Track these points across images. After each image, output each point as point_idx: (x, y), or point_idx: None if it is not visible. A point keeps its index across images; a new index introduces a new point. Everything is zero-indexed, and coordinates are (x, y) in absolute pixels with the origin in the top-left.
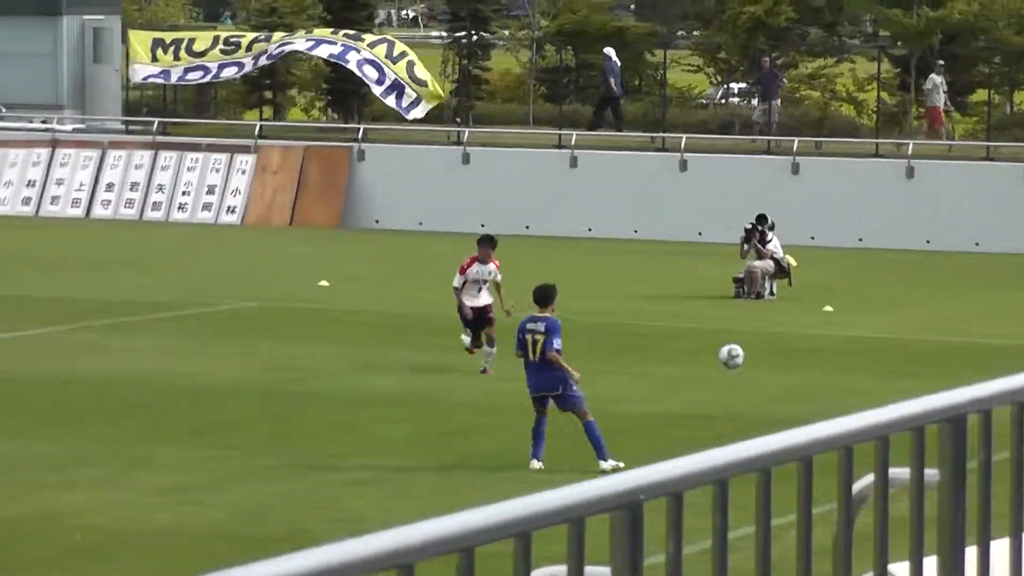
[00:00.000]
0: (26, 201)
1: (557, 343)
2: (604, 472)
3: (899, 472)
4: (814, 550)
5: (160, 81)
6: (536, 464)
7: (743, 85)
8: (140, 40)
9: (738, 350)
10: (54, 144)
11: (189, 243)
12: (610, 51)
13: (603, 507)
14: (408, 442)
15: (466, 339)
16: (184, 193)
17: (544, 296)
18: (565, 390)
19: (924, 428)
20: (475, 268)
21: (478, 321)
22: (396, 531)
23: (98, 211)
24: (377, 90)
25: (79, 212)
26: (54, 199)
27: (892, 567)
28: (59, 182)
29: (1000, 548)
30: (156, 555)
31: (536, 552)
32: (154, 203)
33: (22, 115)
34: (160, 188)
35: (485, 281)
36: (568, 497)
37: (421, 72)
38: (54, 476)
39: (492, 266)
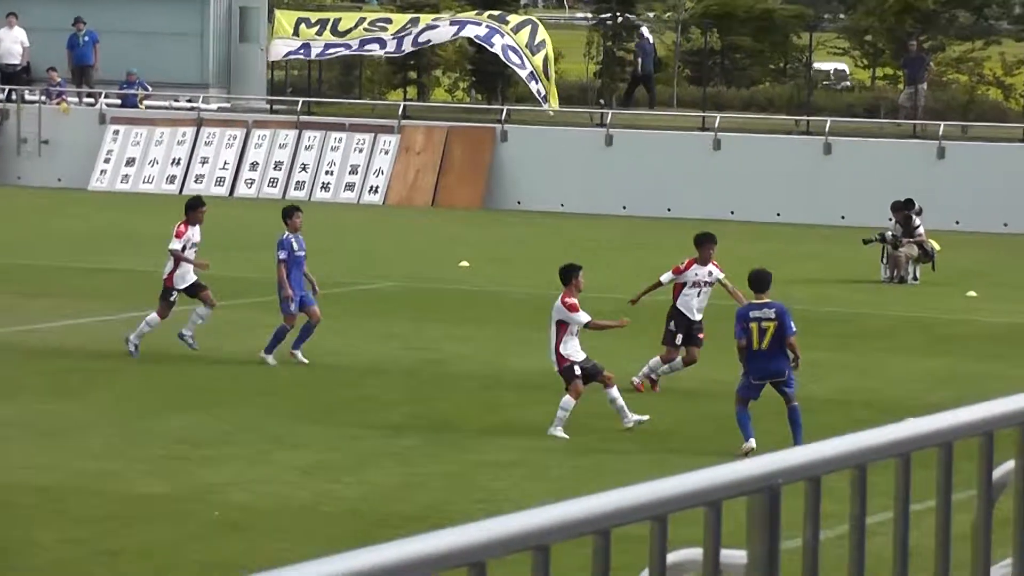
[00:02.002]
0: (171, 179)
1: (793, 326)
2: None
3: None
4: (954, 535)
5: (301, 56)
6: (752, 443)
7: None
8: (286, 18)
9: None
10: (199, 123)
11: (331, 223)
12: (644, 30)
13: (741, 491)
14: (547, 424)
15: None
16: (327, 172)
17: (762, 280)
18: (789, 374)
19: None
20: (694, 271)
21: (686, 335)
22: (532, 512)
23: (242, 190)
24: (522, 73)
25: (223, 191)
26: (198, 177)
27: None
28: (204, 161)
29: None
30: (293, 533)
31: (673, 535)
32: (297, 182)
33: (168, 94)
34: (303, 167)
35: (707, 283)
36: (705, 480)
37: (551, 70)
38: (195, 453)
39: (712, 267)
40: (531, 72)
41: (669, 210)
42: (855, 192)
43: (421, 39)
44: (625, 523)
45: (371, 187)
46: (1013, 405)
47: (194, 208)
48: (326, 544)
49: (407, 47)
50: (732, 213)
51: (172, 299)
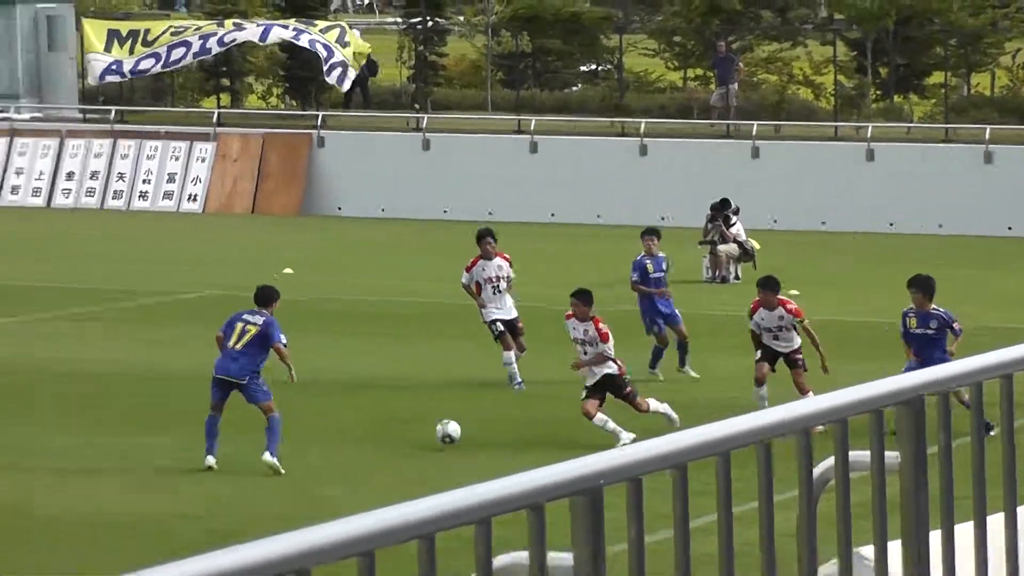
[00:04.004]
0: None
1: (280, 337)
2: (266, 463)
3: (860, 455)
4: (781, 534)
5: (116, 79)
6: (211, 460)
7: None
8: (95, 30)
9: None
10: (12, 133)
11: (151, 232)
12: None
13: (563, 492)
14: (374, 428)
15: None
16: (145, 181)
17: (267, 297)
18: (252, 381)
19: (883, 411)
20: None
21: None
22: (356, 519)
23: (59, 200)
24: (328, 56)
25: (40, 201)
26: (14, 188)
27: (860, 549)
28: (19, 171)
29: (965, 532)
30: (119, 546)
31: (498, 538)
32: (115, 192)
33: None
34: (121, 176)
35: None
36: (528, 483)
37: (357, 47)
38: (14, 464)
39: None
40: (343, 60)
41: (490, 213)
42: (672, 192)
43: (227, 39)
44: (449, 527)
45: (190, 195)
46: (829, 402)
47: (481, 239)
48: (154, 557)
49: (213, 46)
50: (552, 215)
51: (496, 331)
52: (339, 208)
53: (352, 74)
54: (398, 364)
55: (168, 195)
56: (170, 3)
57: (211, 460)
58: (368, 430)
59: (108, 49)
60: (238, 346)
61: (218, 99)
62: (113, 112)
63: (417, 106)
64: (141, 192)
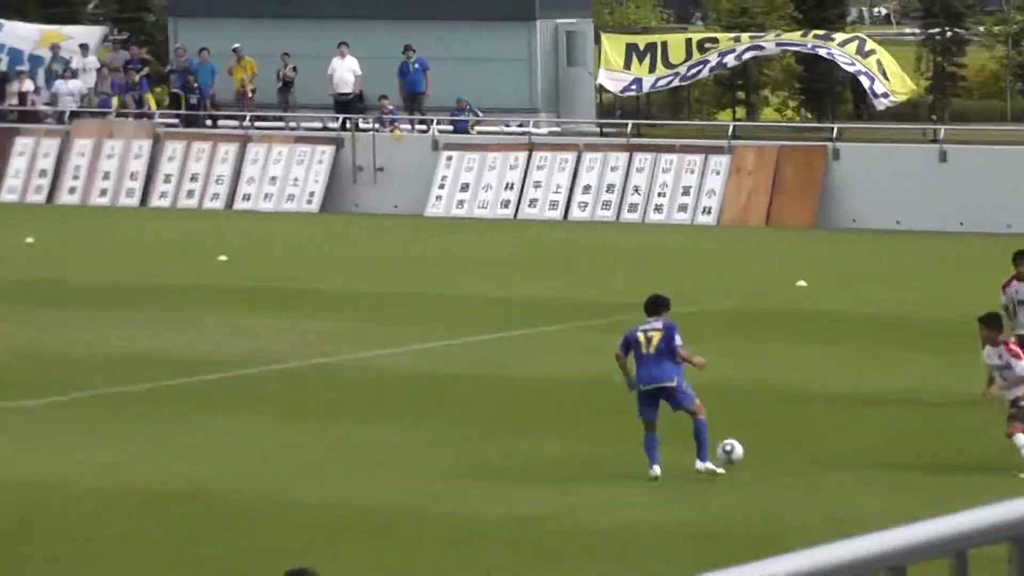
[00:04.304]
0: (505, 204)
1: (679, 340)
2: (699, 472)
3: None
4: None
5: (633, 92)
6: (656, 470)
7: None
8: (613, 45)
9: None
10: (531, 147)
11: (667, 244)
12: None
13: None
14: (896, 442)
15: None
16: (660, 194)
17: (658, 305)
18: (680, 384)
19: None
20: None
21: None
22: (887, 533)
23: (575, 213)
24: (850, 69)
25: (556, 214)
26: (532, 202)
27: None
28: (536, 185)
29: None
30: (640, 555)
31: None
32: (630, 205)
33: (498, 119)
34: (636, 190)
35: None
36: (1008, 514)
37: (889, 69)
38: (537, 477)
39: None
40: (866, 72)
41: (1009, 226)
42: None
43: (746, 56)
44: (982, 544)
45: (704, 208)
46: None
47: (1017, 259)
48: (676, 568)
49: (729, 61)
50: None
51: None
52: (853, 220)
53: (880, 88)
54: (913, 378)
55: (683, 208)
56: (686, 17)
57: (656, 470)
58: (889, 443)
59: (627, 66)
60: (650, 351)
61: (734, 112)
62: (629, 126)
63: (935, 117)
64: (656, 205)
